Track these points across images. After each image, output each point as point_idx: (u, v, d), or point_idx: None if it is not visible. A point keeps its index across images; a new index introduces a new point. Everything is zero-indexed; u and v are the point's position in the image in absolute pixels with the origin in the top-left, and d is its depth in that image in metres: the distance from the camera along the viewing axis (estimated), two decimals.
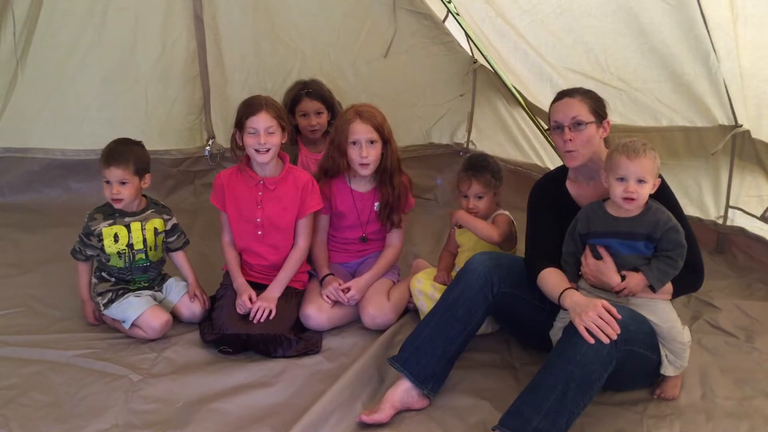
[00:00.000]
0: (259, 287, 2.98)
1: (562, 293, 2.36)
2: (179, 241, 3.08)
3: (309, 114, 3.63)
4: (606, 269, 2.39)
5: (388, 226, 3.13)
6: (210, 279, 3.18)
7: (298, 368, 2.71)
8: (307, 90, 3.64)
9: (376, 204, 3.11)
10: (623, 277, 2.36)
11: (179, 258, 3.11)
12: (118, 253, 2.93)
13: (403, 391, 2.45)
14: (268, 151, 2.87)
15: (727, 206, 3.55)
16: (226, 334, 2.80)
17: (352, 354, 2.79)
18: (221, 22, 4.27)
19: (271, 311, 2.85)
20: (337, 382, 2.54)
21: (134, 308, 2.87)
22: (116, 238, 2.92)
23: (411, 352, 2.49)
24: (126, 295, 2.93)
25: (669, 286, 2.40)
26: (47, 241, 3.80)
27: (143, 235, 2.95)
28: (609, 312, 2.21)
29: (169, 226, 3.04)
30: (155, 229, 2.98)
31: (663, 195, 2.43)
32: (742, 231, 3.54)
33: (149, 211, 2.99)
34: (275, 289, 2.95)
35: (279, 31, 4.32)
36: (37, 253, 3.66)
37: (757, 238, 3.46)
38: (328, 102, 3.69)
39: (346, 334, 2.95)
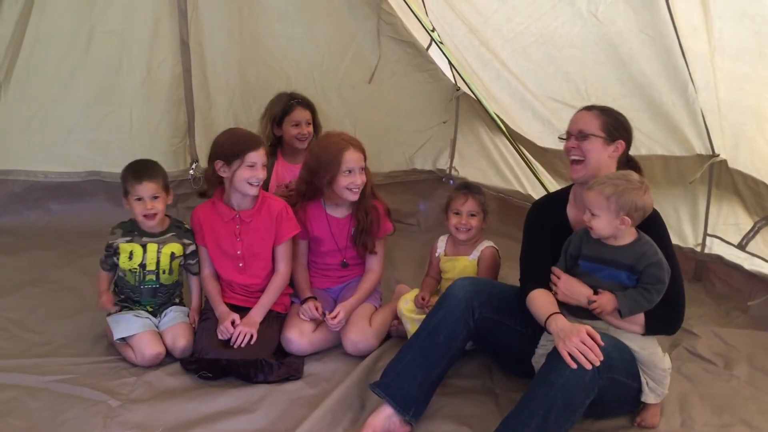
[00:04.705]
0: (241, 310, 2.97)
1: (548, 317, 2.37)
2: (196, 266, 3.07)
3: (301, 123, 3.70)
4: (576, 283, 2.42)
5: (362, 251, 3.14)
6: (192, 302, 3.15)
7: (279, 394, 2.69)
8: (297, 99, 3.73)
9: (353, 229, 3.12)
10: (596, 293, 2.38)
11: (194, 282, 3.09)
12: (131, 270, 2.94)
13: (384, 417, 2.44)
14: (259, 184, 2.91)
15: (705, 234, 3.60)
16: (206, 359, 2.78)
17: (333, 379, 2.78)
18: (207, 46, 4.29)
19: (252, 336, 2.84)
20: (318, 408, 2.53)
21: (129, 325, 2.87)
22: (131, 255, 2.92)
23: (392, 377, 2.49)
24: (126, 312, 2.94)
25: (641, 319, 2.39)
26: (27, 264, 3.77)
27: (158, 258, 2.95)
28: (592, 338, 2.23)
29: (188, 251, 3.03)
30: (172, 253, 2.98)
31: (656, 231, 2.44)
32: (719, 259, 3.58)
33: (169, 234, 2.99)
34: (257, 314, 2.94)
35: (264, 55, 4.35)
36: (17, 276, 3.61)
37: (735, 266, 3.51)
38: (314, 112, 3.79)
39: (327, 360, 2.94)
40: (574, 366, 2.18)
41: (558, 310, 2.40)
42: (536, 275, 2.56)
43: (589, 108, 2.62)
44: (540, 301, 2.47)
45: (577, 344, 2.20)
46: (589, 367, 2.18)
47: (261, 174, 2.89)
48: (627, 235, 2.39)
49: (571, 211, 2.68)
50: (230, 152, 2.89)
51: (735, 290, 3.52)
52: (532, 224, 2.74)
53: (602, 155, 2.53)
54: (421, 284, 3.16)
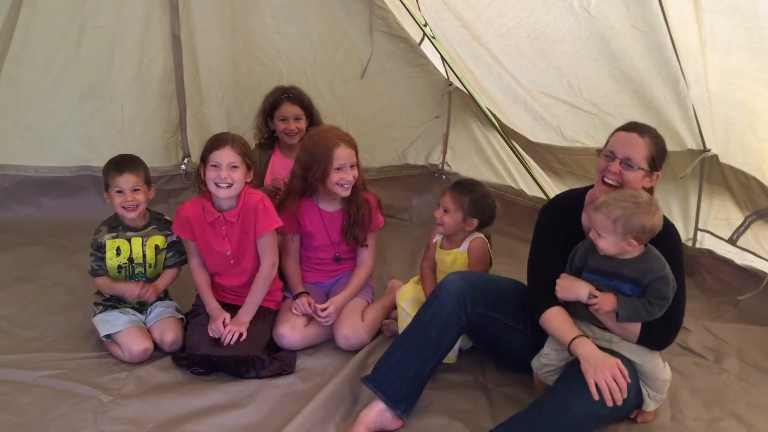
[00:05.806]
0: (232, 308, 2.96)
1: (573, 340, 2.32)
2: (173, 259, 3.07)
3: (288, 118, 3.67)
4: (577, 280, 2.40)
5: (353, 244, 3.13)
6: (183, 296, 3.17)
7: (271, 389, 2.69)
8: (287, 95, 3.70)
9: (344, 223, 3.11)
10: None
11: (168, 272, 3.08)
12: (119, 266, 2.95)
13: (377, 412, 2.45)
14: (229, 186, 2.85)
15: (696, 229, 3.61)
16: (197, 355, 2.78)
17: (325, 374, 2.78)
18: (198, 41, 4.28)
19: (241, 334, 2.83)
20: (311, 403, 2.53)
21: (114, 323, 2.87)
22: (118, 251, 2.95)
23: (384, 372, 2.49)
24: (111, 310, 2.94)
25: (636, 328, 2.36)
26: (18, 260, 3.75)
27: (143, 251, 2.96)
28: (622, 374, 2.20)
29: (169, 241, 3.04)
30: (156, 246, 3.00)
31: (668, 247, 2.39)
32: (710, 253, 3.60)
33: (151, 227, 3.00)
34: (245, 314, 2.92)
35: (256, 50, 4.34)
36: (7, 272, 3.60)
37: (726, 261, 3.52)
38: (308, 108, 3.75)
39: (319, 354, 2.94)
40: (596, 397, 2.16)
41: (581, 333, 2.36)
42: (549, 287, 2.46)
43: (642, 133, 2.45)
44: (559, 321, 2.42)
45: (607, 378, 2.17)
46: (611, 404, 2.16)
47: (225, 174, 2.82)
48: (634, 251, 2.34)
49: (586, 220, 2.57)
50: (202, 154, 2.92)
51: (726, 285, 3.53)
52: (546, 227, 2.65)
53: (638, 185, 2.43)
54: (420, 274, 3.11)
